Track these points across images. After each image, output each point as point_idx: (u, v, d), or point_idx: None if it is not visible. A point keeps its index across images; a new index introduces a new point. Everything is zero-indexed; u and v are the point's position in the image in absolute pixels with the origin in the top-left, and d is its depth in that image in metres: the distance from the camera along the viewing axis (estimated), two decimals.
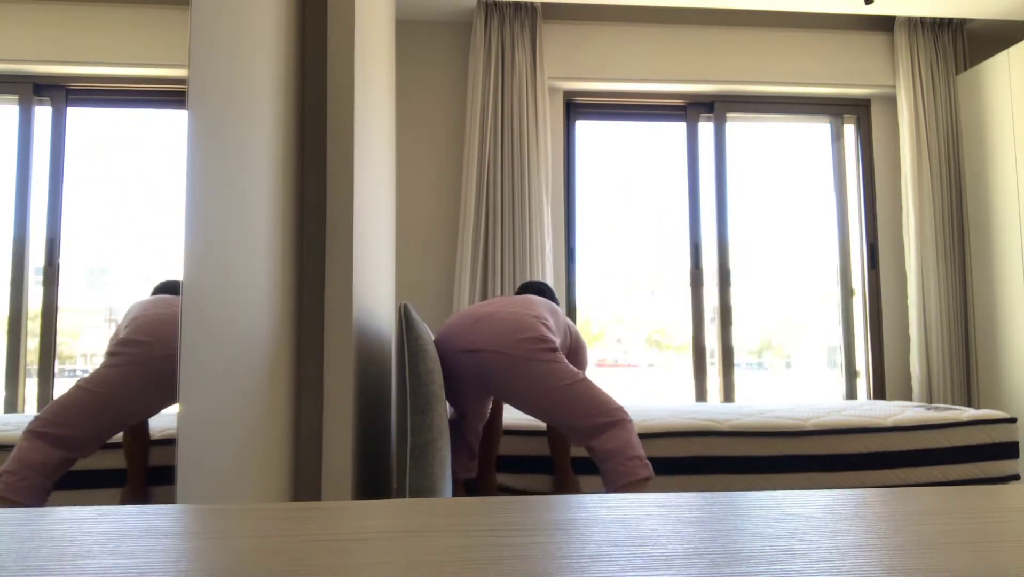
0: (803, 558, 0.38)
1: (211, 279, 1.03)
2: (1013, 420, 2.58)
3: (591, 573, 0.35)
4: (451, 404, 2.11)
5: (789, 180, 3.96)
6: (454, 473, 2.12)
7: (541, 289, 2.34)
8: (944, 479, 2.50)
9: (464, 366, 1.95)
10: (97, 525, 0.45)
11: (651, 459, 2.28)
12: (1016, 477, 2.61)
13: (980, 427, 2.54)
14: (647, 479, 1.76)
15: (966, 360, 3.70)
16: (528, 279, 3.38)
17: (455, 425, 2.14)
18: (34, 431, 0.68)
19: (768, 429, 2.44)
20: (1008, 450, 2.57)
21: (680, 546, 0.40)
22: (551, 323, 1.99)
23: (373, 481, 2.18)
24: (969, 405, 3.68)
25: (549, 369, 1.83)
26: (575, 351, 2.15)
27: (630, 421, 1.82)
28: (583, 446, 1.85)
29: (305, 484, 1.62)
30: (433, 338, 2.08)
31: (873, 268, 3.88)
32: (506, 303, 2.02)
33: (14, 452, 0.66)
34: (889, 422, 2.51)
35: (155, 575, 0.35)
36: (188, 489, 0.95)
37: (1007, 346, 3.49)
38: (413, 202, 3.64)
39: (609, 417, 1.81)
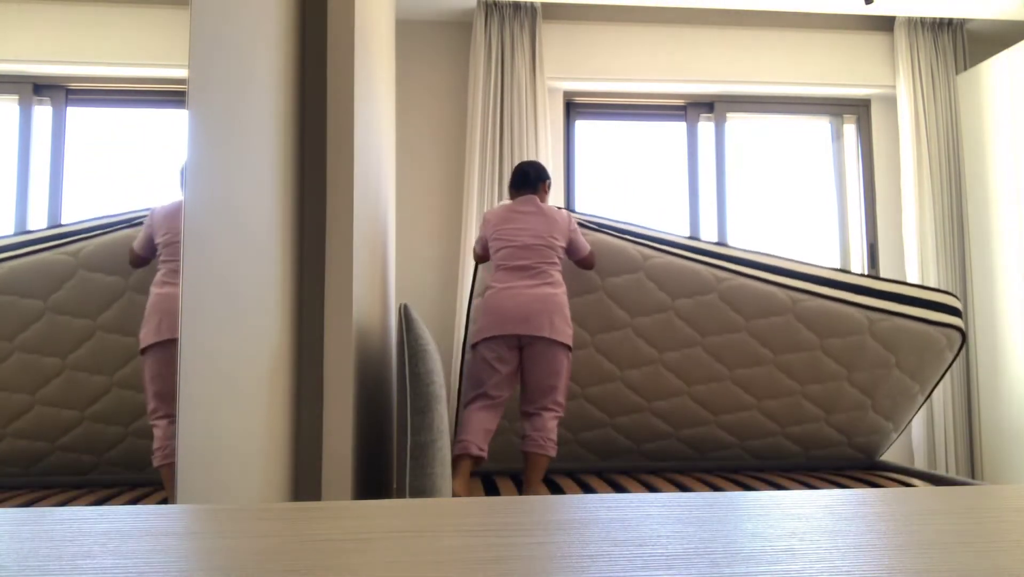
0: (803, 558, 0.38)
1: (211, 279, 1.03)
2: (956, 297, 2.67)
3: (591, 573, 0.35)
4: (486, 389, 2.39)
5: (789, 180, 3.96)
6: (466, 447, 2.32)
7: (539, 175, 2.58)
8: (889, 309, 2.59)
9: (510, 340, 2.36)
10: (97, 525, 0.45)
11: None
12: (961, 332, 2.63)
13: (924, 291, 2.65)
14: (550, 457, 2.33)
15: (966, 360, 3.70)
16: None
17: (480, 407, 2.39)
18: None
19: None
20: (950, 309, 2.63)
21: (680, 546, 0.40)
22: (562, 253, 2.47)
23: (373, 481, 2.18)
24: (969, 405, 3.68)
25: (565, 355, 2.37)
26: (575, 243, 2.52)
27: (563, 412, 2.40)
28: (531, 409, 2.35)
29: (305, 484, 1.62)
30: (474, 327, 2.45)
31: (873, 268, 3.88)
32: (538, 279, 2.38)
33: None
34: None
35: (155, 575, 0.35)
36: (188, 489, 0.95)
37: (1007, 346, 3.49)
38: (414, 202, 3.64)
39: (559, 407, 2.37)
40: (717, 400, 2.70)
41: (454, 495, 2.26)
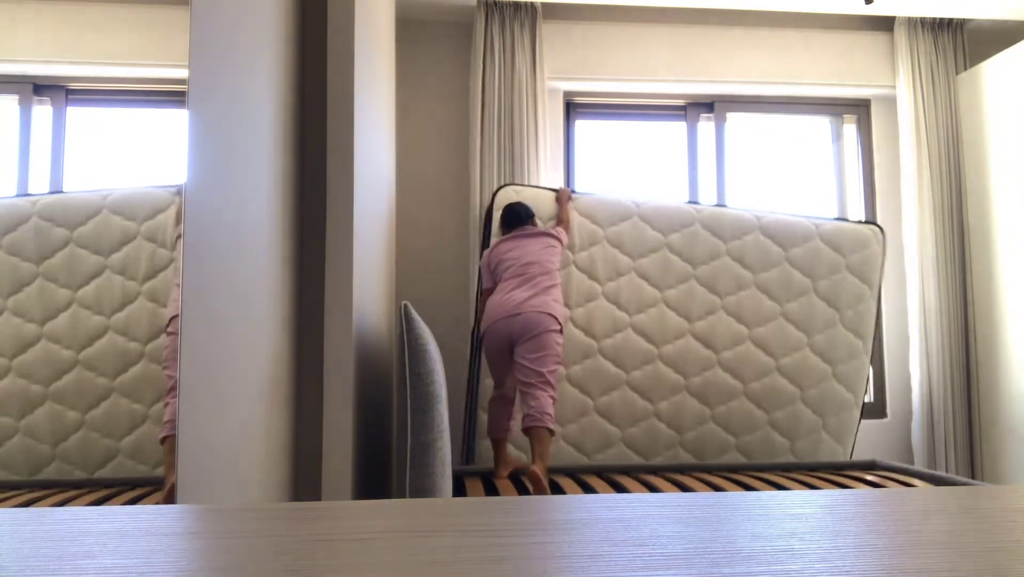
0: (803, 558, 0.38)
1: (211, 279, 1.03)
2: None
3: (591, 573, 0.35)
4: (493, 375, 2.67)
5: (789, 180, 3.96)
6: (495, 432, 2.67)
7: (528, 212, 2.83)
8: (826, 217, 3.14)
9: (504, 331, 2.53)
10: (97, 525, 0.45)
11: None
12: (879, 227, 3.14)
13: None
14: (551, 432, 2.43)
15: (966, 360, 3.70)
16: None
17: (496, 397, 2.69)
18: None
19: None
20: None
21: (680, 546, 0.40)
22: (558, 261, 2.72)
23: (373, 481, 2.18)
24: (969, 404, 3.68)
25: (555, 340, 2.54)
26: (563, 240, 2.83)
27: (556, 392, 2.52)
28: (526, 383, 2.47)
29: (305, 484, 1.62)
30: (484, 324, 2.61)
31: None
32: (532, 284, 2.60)
33: None
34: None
35: (155, 575, 0.35)
36: (188, 489, 0.95)
37: (1007, 346, 3.49)
38: (414, 200, 3.64)
39: (551, 386, 2.49)
40: (716, 335, 2.98)
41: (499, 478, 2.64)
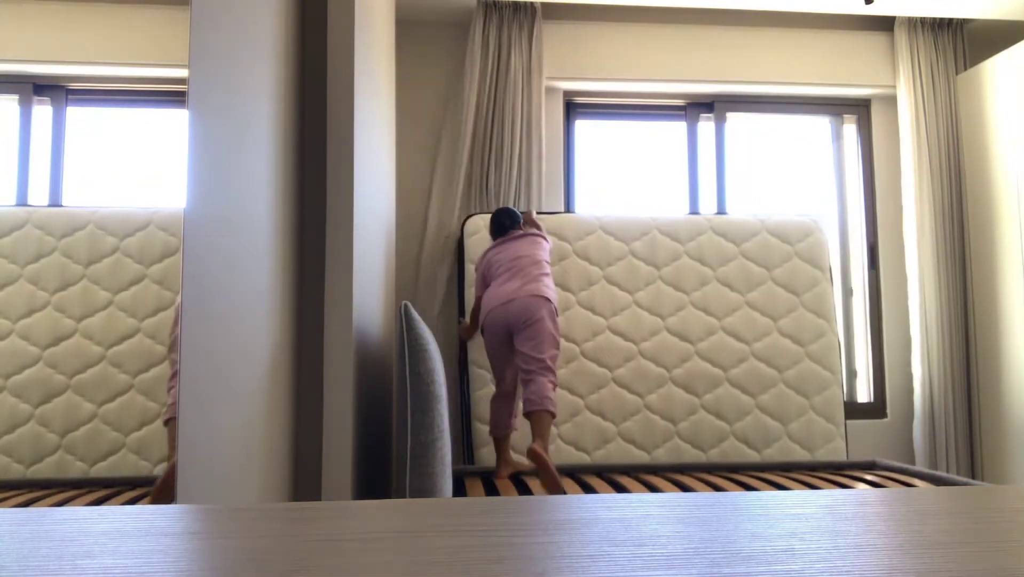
0: (803, 558, 0.38)
1: (211, 279, 1.03)
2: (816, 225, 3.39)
3: (591, 573, 0.35)
4: (493, 370, 2.71)
5: (789, 180, 3.96)
6: (497, 430, 2.69)
7: (514, 220, 2.90)
8: (767, 215, 3.38)
9: (501, 319, 2.57)
10: (97, 525, 0.45)
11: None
12: (813, 219, 3.35)
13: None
14: (552, 414, 2.45)
15: (967, 360, 3.70)
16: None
17: (497, 395, 2.71)
18: None
19: None
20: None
21: (680, 546, 0.40)
22: (548, 257, 2.80)
23: (373, 481, 2.18)
24: (969, 404, 3.68)
25: (551, 326, 2.57)
26: (548, 239, 2.93)
27: (556, 378, 2.54)
28: (526, 370, 2.51)
29: (305, 484, 1.62)
30: (484, 313, 2.66)
31: (873, 268, 3.88)
32: (524, 274, 2.65)
33: None
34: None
35: (155, 575, 0.35)
36: (188, 489, 0.95)
37: (1008, 346, 3.49)
38: (414, 201, 3.64)
39: (551, 372, 2.52)
40: (689, 328, 3.16)
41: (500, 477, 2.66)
